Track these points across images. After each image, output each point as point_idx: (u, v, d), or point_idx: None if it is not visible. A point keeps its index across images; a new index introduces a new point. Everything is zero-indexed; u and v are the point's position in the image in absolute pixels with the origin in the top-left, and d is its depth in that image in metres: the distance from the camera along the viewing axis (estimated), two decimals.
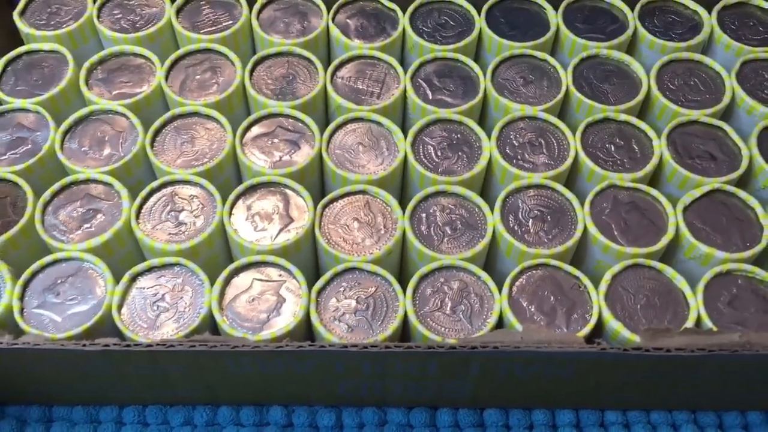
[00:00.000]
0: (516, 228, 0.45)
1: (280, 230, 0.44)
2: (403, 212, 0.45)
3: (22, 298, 0.41)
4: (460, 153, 0.48)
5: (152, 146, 0.47)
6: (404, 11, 0.54)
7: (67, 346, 0.39)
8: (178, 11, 0.53)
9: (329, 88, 0.50)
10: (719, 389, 0.44)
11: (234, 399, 0.45)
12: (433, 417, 0.45)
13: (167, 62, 0.50)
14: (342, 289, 0.43)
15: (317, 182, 0.49)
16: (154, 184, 0.45)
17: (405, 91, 0.50)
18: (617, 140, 0.49)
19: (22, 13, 0.53)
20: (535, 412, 0.46)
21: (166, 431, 0.45)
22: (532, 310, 0.42)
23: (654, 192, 0.46)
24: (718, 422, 0.46)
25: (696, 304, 0.42)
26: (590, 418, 0.46)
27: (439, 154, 0.48)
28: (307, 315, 0.41)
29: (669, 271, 0.43)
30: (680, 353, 0.39)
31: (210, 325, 0.42)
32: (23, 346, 0.38)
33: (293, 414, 0.45)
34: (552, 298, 0.42)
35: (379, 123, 0.49)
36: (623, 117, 0.49)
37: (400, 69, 0.51)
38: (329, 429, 0.45)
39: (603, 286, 0.43)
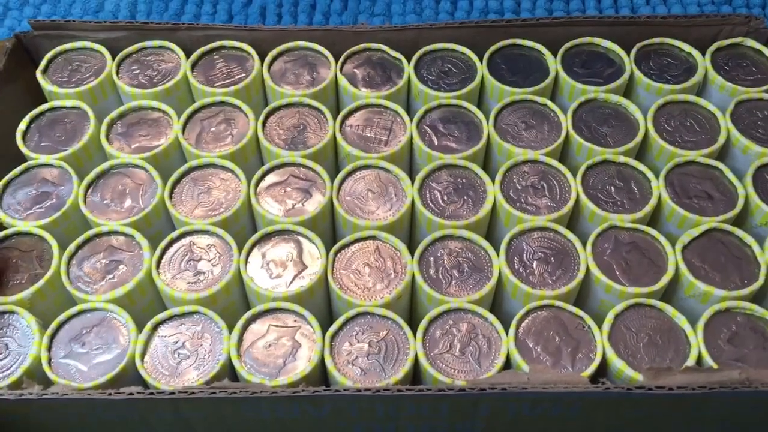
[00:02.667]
0: (521, 270, 0.47)
1: (294, 277, 0.46)
2: (412, 256, 0.47)
3: (49, 348, 0.43)
4: (465, 197, 0.50)
5: (171, 197, 0.49)
6: (409, 60, 0.56)
7: (94, 396, 0.40)
8: (193, 65, 0.56)
9: (339, 136, 0.52)
10: (723, 425, 0.45)
11: None
12: None
13: (183, 116, 0.53)
14: (355, 333, 0.44)
15: (329, 229, 0.51)
16: (174, 234, 0.47)
17: (411, 137, 0.53)
18: (617, 182, 0.50)
19: (45, 71, 0.56)
20: None
21: None
22: (538, 350, 0.44)
23: (653, 232, 0.48)
24: None
25: (696, 341, 0.43)
26: None
27: (445, 198, 0.50)
28: (322, 359, 0.43)
29: (669, 309, 0.45)
30: (682, 391, 0.40)
31: (229, 371, 0.43)
32: (52, 397, 0.40)
33: None
34: (557, 338, 0.44)
35: (387, 170, 0.51)
36: (622, 159, 0.51)
37: (406, 116, 0.53)
38: None
39: (606, 325, 0.44)
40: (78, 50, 0.57)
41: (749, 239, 0.47)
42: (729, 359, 0.43)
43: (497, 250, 0.47)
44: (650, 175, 0.50)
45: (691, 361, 0.43)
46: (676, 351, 0.43)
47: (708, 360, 0.43)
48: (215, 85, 0.55)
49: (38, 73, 0.55)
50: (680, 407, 0.42)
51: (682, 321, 0.44)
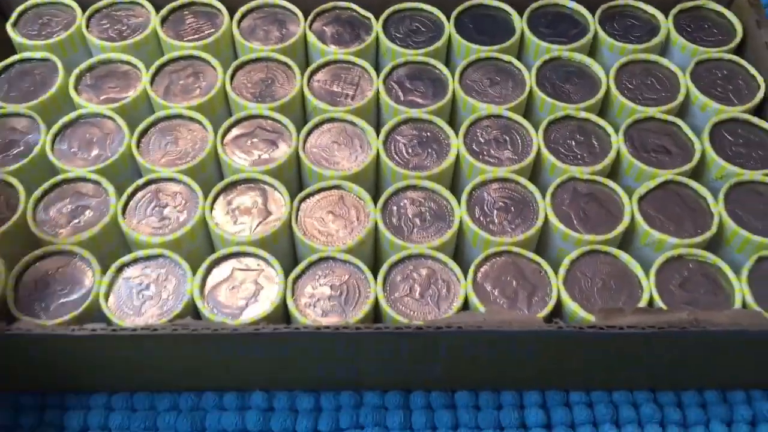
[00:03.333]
0: (481, 219, 0.48)
1: (259, 223, 0.47)
2: (375, 205, 0.48)
3: (15, 288, 0.44)
4: (429, 150, 0.51)
5: (138, 147, 0.50)
6: (378, 18, 0.57)
7: (57, 331, 0.41)
8: (163, 21, 0.56)
9: (306, 90, 0.53)
10: (676, 367, 0.46)
11: (217, 385, 0.47)
12: (407, 399, 0.48)
13: (152, 68, 0.53)
14: (317, 276, 0.45)
15: (295, 179, 0.52)
16: (140, 181, 0.48)
17: (378, 93, 0.53)
18: (578, 136, 0.51)
19: (15, 23, 0.56)
20: (504, 393, 0.48)
21: (153, 416, 0.47)
22: (496, 293, 0.45)
23: (612, 184, 0.49)
24: (677, 401, 0.48)
25: (648, 285, 0.45)
26: (555, 398, 0.48)
27: (409, 151, 0.51)
28: (284, 301, 0.44)
29: (624, 256, 0.46)
30: (632, 330, 0.41)
31: (192, 312, 0.44)
32: (15, 332, 0.41)
33: (274, 398, 0.48)
34: (514, 282, 0.45)
35: (353, 123, 0.51)
36: (584, 114, 0.52)
37: (373, 72, 0.54)
38: (308, 412, 0.47)
39: (562, 270, 0.45)
40: (48, 4, 0.57)
41: (704, 191, 0.49)
42: (680, 303, 0.44)
43: (459, 201, 0.48)
44: (610, 130, 0.52)
45: (642, 304, 0.44)
46: (629, 295, 0.45)
47: (660, 303, 0.44)
48: (184, 39, 0.55)
49: (8, 26, 0.55)
50: (633, 348, 0.44)
51: (636, 267, 0.46)
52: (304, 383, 0.47)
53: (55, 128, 0.50)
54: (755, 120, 0.52)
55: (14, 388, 0.47)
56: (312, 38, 0.56)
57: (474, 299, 0.44)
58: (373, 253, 0.50)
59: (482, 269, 0.46)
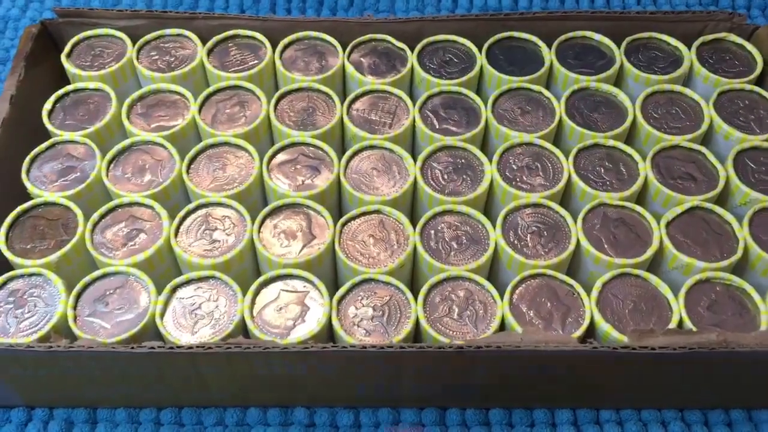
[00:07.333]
0: (516, 242, 0.50)
1: (304, 246, 0.49)
2: (414, 229, 0.50)
3: (75, 307, 0.46)
4: (464, 176, 0.53)
5: (188, 173, 0.52)
6: (412, 50, 0.60)
7: (117, 349, 0.43)
8: (209, 52, 0.59)
9: (345, 119, 0.56)
10: (703, 387, 0.48)
11: (262, 401, 0.49)
12: (443, 416, 0.50)
13: (200, 98, 0.56)
14: (360, 297, 0.47)
15: (336, 203, 0.54)
16: (190, 206, 0.50)
17: (414, 121, 0.56)
18: (606, 163, 0.54)
19: (69, 55, 0.59)
20: (536, 411, 0.50)
21: (200, 431, 0.49)
22: (531, 315, 0.47)
23: (639, 209, 0.51)
24: (703, 420, 0.50)
25: (678, 308, 0.47)
26: (587, 416, 0.50)
27: (445, 177, 0.53)
28: (329, 321, 0.46)
29: (653, 278, 0.48)
30: (663, 351, 0.43)
31: (242, 331, 0.46)
32: (78, 349, 0.43)
33: (315, 414, 0.50)
34: (549, 304, 0.47)
35: (391, 150, 0.54)
36: (611, 143, 0.55)
37: (409, 101, 0.57)
38: (348, 428, 0.49)
39: (594, 292, 0.47)
40: (100, 36, 0.60)
41: (729, 217, 0.51)
42: (708, 325, 0.46)
43: (494, 225, 0.50)
44: (637, 157, 0.54)
45: (672, 325, 0.46)
46: (659, 317, 0.47)
47: (689, 325, 0.46)
48: (230, 70, 0.58)
49: (63, 57, 0.58)
50: (663, 368, 0.45)
51: (665, 289, 0.48)
52: (345, 400, 0.50)
53: (109, 155, 0.53)
54: None
55: (68, 405, 0.50)
56: (350, 69, 0.59)
57: (510, 320, 0.46)
58: (411, 275, 0.52)
59: (518, 291, 0.48)
